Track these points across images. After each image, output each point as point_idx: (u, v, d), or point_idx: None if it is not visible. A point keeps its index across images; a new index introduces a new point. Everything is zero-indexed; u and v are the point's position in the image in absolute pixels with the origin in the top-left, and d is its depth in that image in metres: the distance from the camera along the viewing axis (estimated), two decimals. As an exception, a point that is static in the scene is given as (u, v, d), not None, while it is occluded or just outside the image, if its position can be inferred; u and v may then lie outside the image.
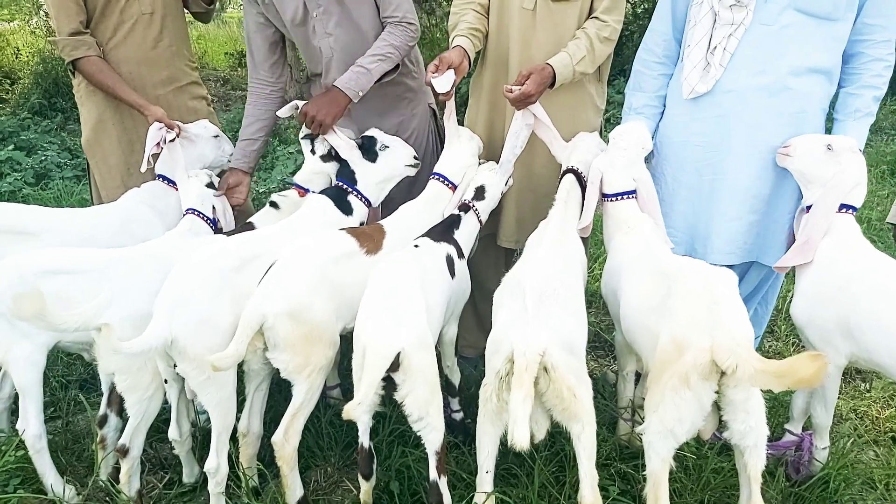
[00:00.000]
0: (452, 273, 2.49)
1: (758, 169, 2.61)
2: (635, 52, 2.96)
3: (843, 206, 2.38)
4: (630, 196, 2.57)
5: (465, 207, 2.70)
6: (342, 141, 2.78)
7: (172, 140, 2.87)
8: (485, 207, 2.74)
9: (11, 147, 6.10)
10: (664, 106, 2.86)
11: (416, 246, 2.46)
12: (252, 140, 3.07)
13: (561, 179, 2.69)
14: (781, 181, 2.62)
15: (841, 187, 2.36)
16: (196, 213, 2.79)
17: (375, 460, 2.25)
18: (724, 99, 2.60)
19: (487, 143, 2.94)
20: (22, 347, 2.28)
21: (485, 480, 2.10)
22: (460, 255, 2.59)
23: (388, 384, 2.01)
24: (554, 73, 2.61)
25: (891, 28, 2.50)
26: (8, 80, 8.66)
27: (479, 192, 2.73)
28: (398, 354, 1.96)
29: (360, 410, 1.89)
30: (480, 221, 2.73)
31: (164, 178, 2.94)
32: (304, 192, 2.83)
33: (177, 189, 2.92)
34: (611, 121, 7.47)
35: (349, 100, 2.77)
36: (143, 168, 2.84)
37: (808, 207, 2.45)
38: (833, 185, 2.37)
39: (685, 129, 2.73)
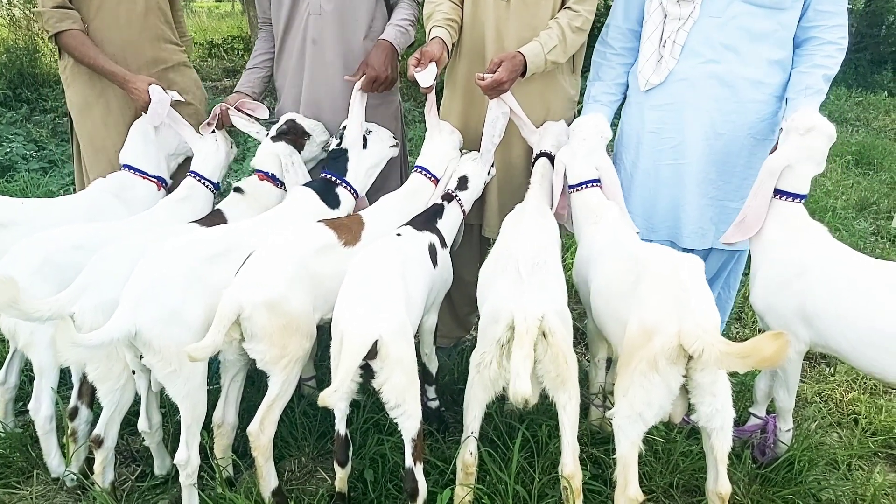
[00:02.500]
0: (435, 262, 2.51)
1: (708, 155, 2.68)
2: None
3: (787, 194, 2.38)
4: (593, 184, 2.62)
5: (448, 197, 2.72)
6: (356, 123, 2.80)
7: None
8: (468, 197, 2.77)
9: (-25, 139, 5.98)
10: (623, 95, 2.92)
11: (398, 234, 2.47)
12: (258, 69, 3.15)
13: (534, 163, 2.74)
14: (732, 168, 2.70)
15: (768, 166, 2.37)
16: (197, 176, 2.85)
17: (351, 448, 2.26)
18: (677, 87, 2.67)
19: (463, 134, 2.96)
20: (47, 330, 2.29)
21: (469, 441, 2.17)
22: (443, 244, 2.61)
23: (366, 372, 2.02)
24: (525, 62, 2.63)
25: (841, 13, 2.57)
26: (-30, 71, 8.47)
27: (462, 182, 2.75)
28: (376, 342, 1.98)
29: (336, 397, 1.89)
30: (464, 211, 2.76)
31: (131, 168, 2.91)
32: (263, 175, 2.83)
33: (143, 178, 2.91)
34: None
35: (398, 54, 2.87)
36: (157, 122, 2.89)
37: None
38: (764, 165, 2.40)
39: (641, 117, 2.81)
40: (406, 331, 2.09)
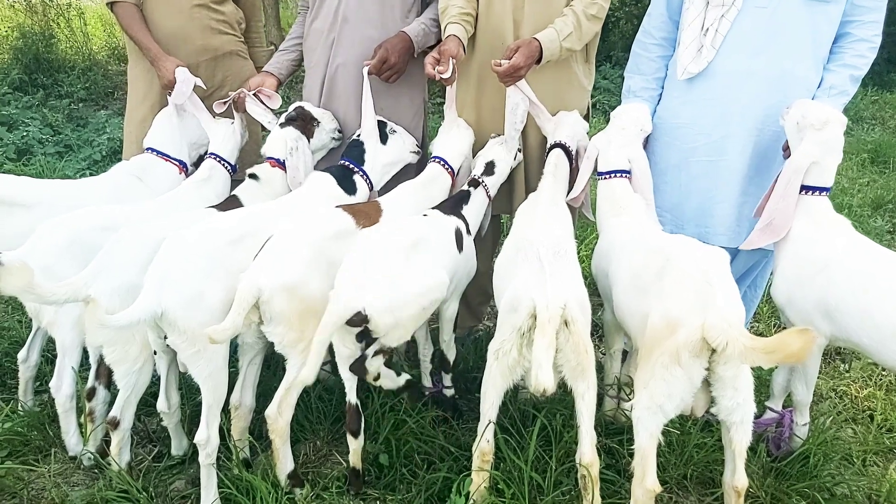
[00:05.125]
0: (460, 248, 2.51)
1: (750, 151, 2.65)
2: (621, 37, 3.01)
3: (812, 189, 2.38)
4: (623, 175, 2.60)
5: (474, 183, 2.73)
6: (369, 113, 2.82)
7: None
8: (494, 182, 2.78)
9: (-8, 122, 6.01)
10: (662, 89, 2.88)
11: (424, 216, 2.49)
12: (287, 51, 3.17)
13: (548, 153, 2.73)
14: (769, 164, 2.66)
15: (792, 166, 2.35)
16: (216, 157, 2.88)
17: (363, 419, 2.29)
18: (717, 82, 2.63)
19: (476, 123, 2.96)
20: (71, 309, 2.31)
21: (487, 429, 2.18)
22: (468, 230, 2.61)
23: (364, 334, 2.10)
24: (541, 48, 2.62)
25: (879, 9, 2.53)
26: (-14, 55, 8.50)
27: (489, 168, 2.76)
28: (359, 312, 2.03)
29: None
30: (489, 196, 2.76)
31: (154, 151, 2.93)
32: (274, 161, 2.82)
33: (166, 160, 2.93)
34: (596, 106, 7.51)
35: (413, 50, 2.84)
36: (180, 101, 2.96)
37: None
38: (787, 165, 2.38)
39: (675, 111, 2.78)
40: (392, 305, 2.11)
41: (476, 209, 2.71)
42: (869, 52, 2.54)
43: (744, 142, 2.64)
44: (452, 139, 2.86)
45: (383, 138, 2.85)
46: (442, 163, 2.81)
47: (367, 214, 2.50)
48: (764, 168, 2.67)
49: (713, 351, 1.89)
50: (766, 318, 3.68)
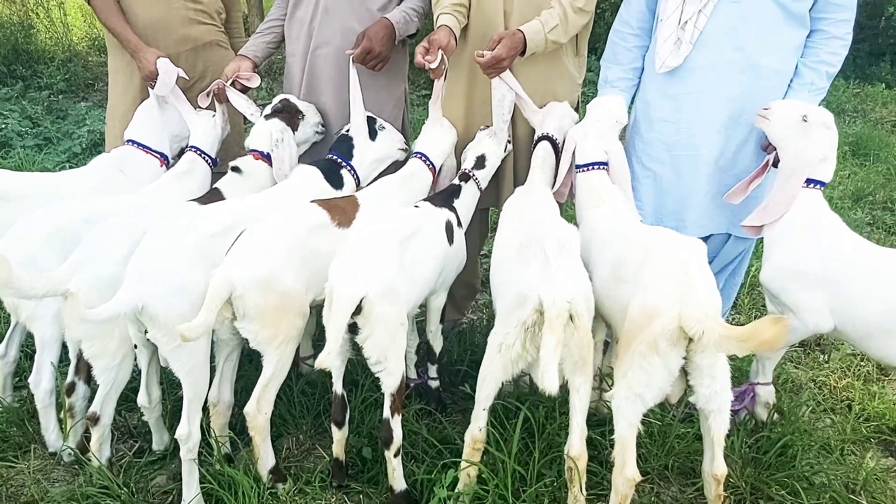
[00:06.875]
0: (451, 240, 2.51)
1: (727, 144, 2.68)
2: (606, 30, 3.00)
3: (811, 182, 2.42)
4: (600, 167, 2.60)
5: (465, 177, 2.72)
6: (358, 109, 2.81)
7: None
8: (484, 175, 2.77)
9: (-30, 115, 5.93)
10: (639, 79, 2.89)
11: (416, 206, 2.49)
12: (263, 33, 3.12)
13: (535, 146, 2.73)
14: (750, 155, 2.69)
15: (804, 160, 2.40)
16: (197, 150, 2.86)
17: (348, 410, 2.29)
18: (695, 77, 2.65)
19: (465, 116, 2.95)
20: (51, 303, 2.30)
21: (480, 416, 2.18)
22: (459, 223, 2.61)
23: (353, 328, 2.08)
24: (525, 39, 2.61)
25: (850, 7, 2.57)
26: (-36, 47, 8.37)
27: (480, 161, 2.76)
28: (362, 300, 2.02)
29: (330, 359, 1.94)
30: (480, 189, 2.76)
31: (135, 143, 2.91)
32: (258, 154, 2.80)
33: (147, 153, 2.90)
34: (585, 100, 7.47)
35: (395, 37, 2.82)
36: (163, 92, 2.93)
37: None
38: (798, 158, 2.41)
39: (654, 106, 2.79)
40: (394, 295, 2.11)
41: (467, 203, 2.70)
42: (841, 49, 2.59)
43: (719, 134, 2.67)
44: (436, 136, 2.84)
45: (372, 134, 2.83)
46: (423, 159, 2.79)
47: (342, 209, 2.47)
48: (738, 160, 2.71)
49: (690, 340, 1.91)
50: (748, 310, 3.71)
